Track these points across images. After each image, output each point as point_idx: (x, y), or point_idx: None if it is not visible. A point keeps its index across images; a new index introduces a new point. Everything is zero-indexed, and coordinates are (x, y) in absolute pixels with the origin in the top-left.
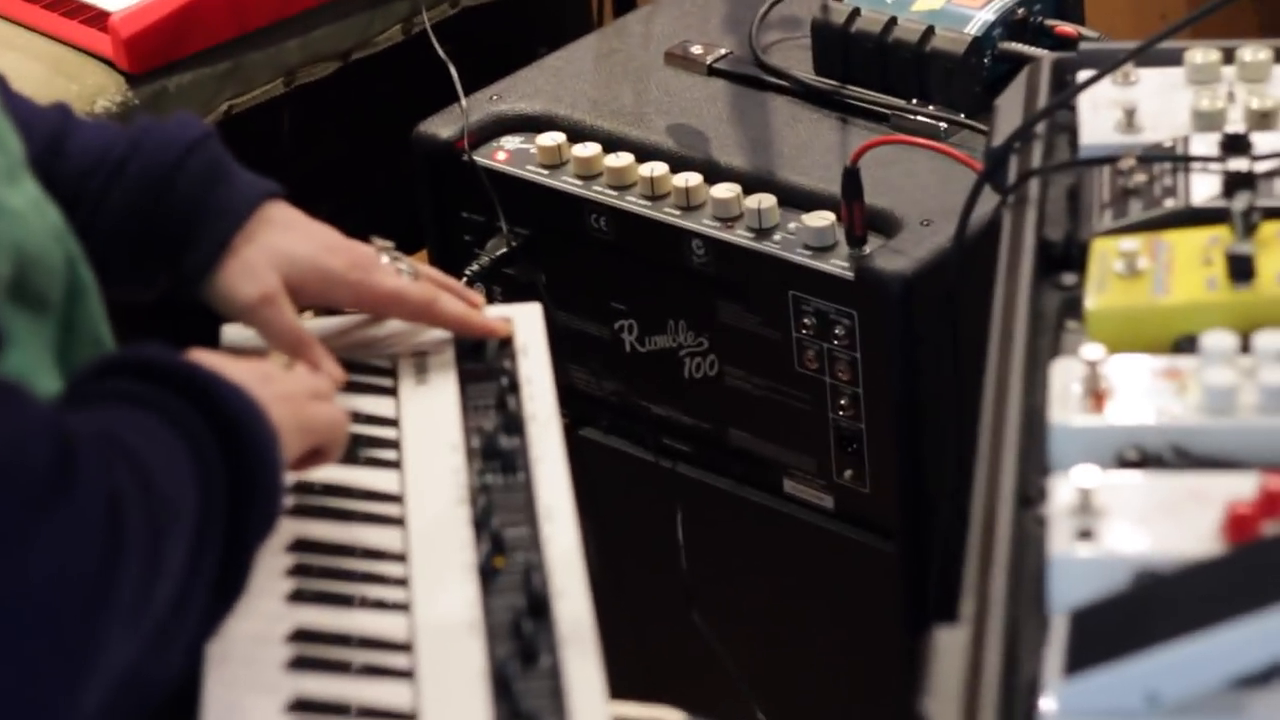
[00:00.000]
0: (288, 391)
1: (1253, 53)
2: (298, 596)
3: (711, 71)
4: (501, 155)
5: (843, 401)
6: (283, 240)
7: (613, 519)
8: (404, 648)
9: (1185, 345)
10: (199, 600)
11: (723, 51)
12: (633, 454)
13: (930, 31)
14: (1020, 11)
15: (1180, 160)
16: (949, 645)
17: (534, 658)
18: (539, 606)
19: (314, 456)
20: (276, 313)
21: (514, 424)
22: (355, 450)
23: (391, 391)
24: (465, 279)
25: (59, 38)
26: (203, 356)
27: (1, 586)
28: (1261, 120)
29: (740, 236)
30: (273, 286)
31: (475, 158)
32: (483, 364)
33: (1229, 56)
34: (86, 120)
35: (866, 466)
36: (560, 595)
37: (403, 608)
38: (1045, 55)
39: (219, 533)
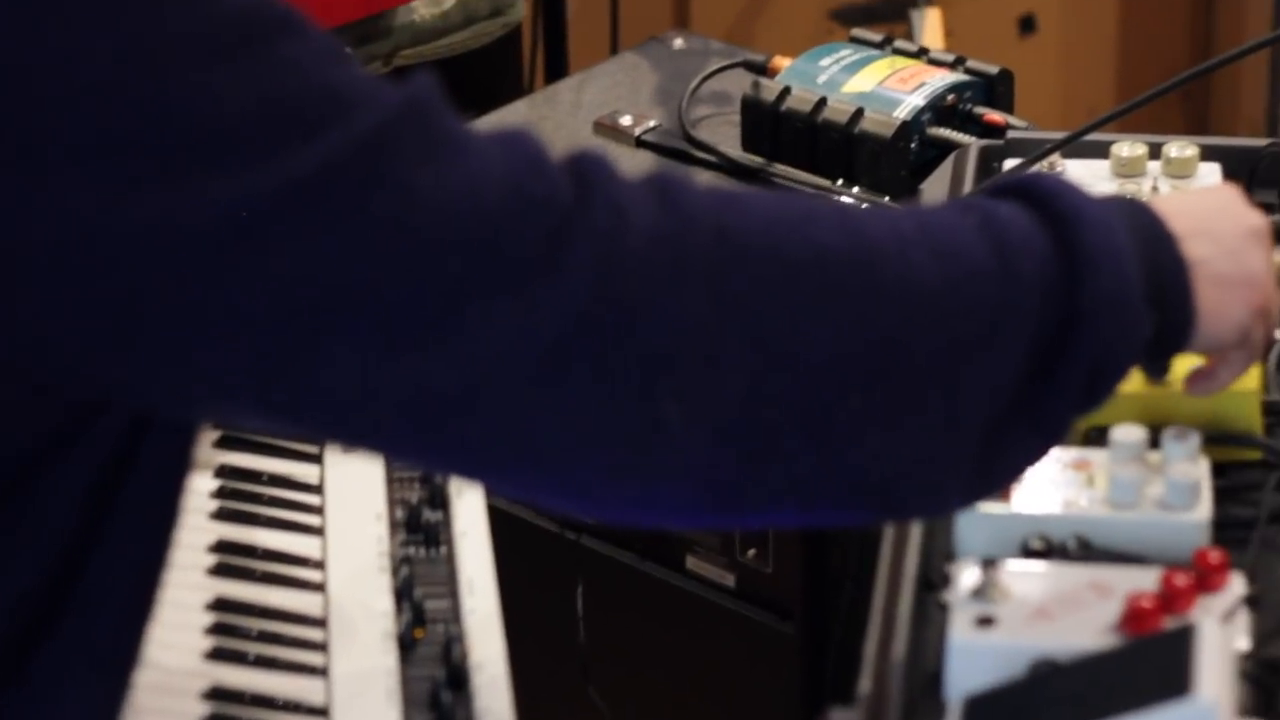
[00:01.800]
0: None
1: (1179, 149)
2: (216, 655)
3: (640, 143)
4: None
5: None
6: None
7: (513, 589)
8: (322, 712)
9: (1095, 437)
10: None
11: (652, 124)
12: (537, 524)
13: (859, 114)
14: (950, 98)
15: None
16: None
17: None
18: (458, 678)
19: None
20: None
21: (438, 497)
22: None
23: (316, 459)
24: None
25: None
26: None
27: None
28: None
29: None
30: None
31: None
32: None
33: (1155, 152)
34: None
35: (770, 546)
36: (479, 668)
37: (321, 672)
38: (973, 142)
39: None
